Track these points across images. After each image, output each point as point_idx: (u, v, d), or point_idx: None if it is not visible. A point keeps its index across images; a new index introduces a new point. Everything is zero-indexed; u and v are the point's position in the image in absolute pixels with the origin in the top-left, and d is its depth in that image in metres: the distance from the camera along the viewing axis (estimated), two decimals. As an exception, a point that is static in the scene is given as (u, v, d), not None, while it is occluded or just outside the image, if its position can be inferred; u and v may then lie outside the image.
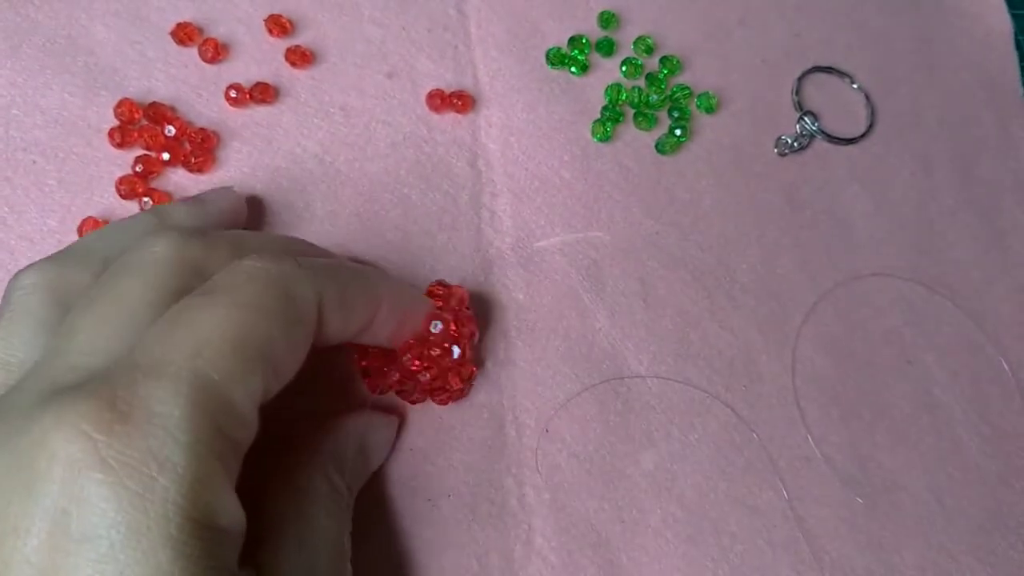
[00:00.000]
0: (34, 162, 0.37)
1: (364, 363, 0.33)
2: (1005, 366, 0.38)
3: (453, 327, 0.32)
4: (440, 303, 0.33)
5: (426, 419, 0.35)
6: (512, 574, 0.33)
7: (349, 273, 0.29)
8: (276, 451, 0.29)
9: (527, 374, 0.36)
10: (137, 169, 0.37)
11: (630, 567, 0.34)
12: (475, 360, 0.35)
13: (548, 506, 0.34)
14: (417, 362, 0.32)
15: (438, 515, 0.34)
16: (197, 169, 0.38)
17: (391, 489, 0.34)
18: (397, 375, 0.32)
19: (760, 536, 0.35)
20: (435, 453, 0.35)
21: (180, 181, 0.38)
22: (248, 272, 0.25)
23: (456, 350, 0.32)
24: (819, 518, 0.35)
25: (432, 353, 0.32)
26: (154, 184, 0.38)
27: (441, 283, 0.34)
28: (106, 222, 0.37)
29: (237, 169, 0.38)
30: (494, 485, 0.34)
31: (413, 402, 0.34)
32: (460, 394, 0.34)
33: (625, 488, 0.35)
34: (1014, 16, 0.46)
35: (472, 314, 0.34)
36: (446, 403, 0.34)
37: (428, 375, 0.32)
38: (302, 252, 0.32)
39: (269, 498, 0.27)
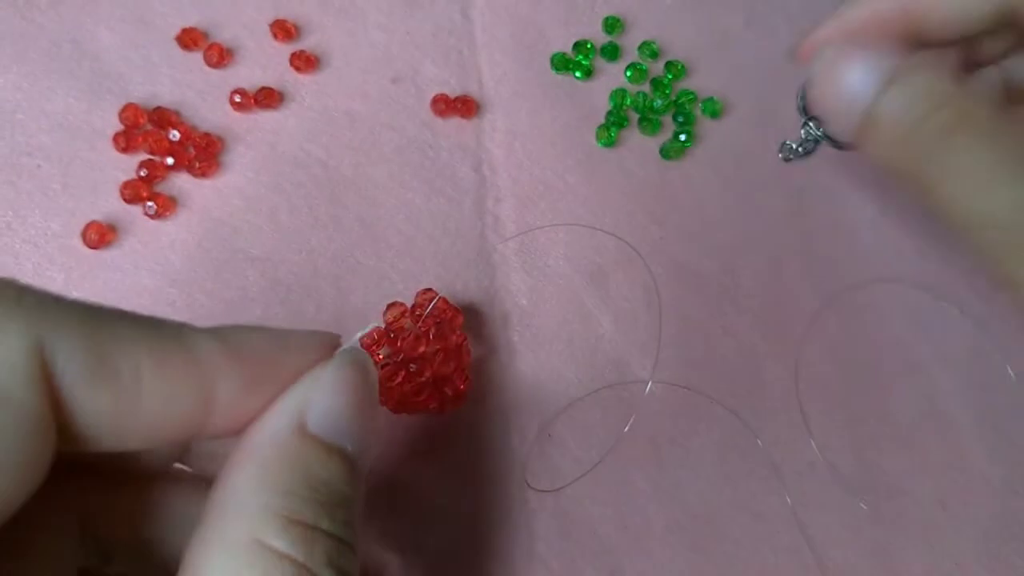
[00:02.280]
0: (39, 166, 0.37)
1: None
2: (1011, 372, 0.38)
3: (424, 342, 0.33)
4: (418, 311, 0.34)
5: (429, 424, 0.35)
6: (515, 580, 0.33)
7: (122, 318, 0.19)
8: None
9: (530, 379, 0.36)
10: (141, 173, 0.37)
11: (633, 574, 0.34)
12: (466, 369, 0.35)
13: (550, 512, 0.34)
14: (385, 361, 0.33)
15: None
16: (201, 174, 0.38)
17: (393, 494, 0.34)
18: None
19: (764, 542, 0.35)
20: (437, 458, 0.35)
21: (184, 185, 0.38)
22: None
23: (413, 367, 0.33)
24: (823, 524, 0.35)
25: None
26: (158, 188, 0.38)
27: (428, 292, 0.35)
28: (110, 226, 0.37)
29: (241, 174, 0.38)
30: (496, 490, 0.34)
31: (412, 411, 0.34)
32: (455, 403, 0.34)
33: (628, 494, 0.35)
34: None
35: (458, 325, 0.35)
36: (444, 411, 0.35)
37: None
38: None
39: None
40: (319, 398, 0.21)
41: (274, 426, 0.20)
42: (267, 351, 0.21)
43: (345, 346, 0.23)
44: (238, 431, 0.21)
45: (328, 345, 0.22)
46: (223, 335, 0.20)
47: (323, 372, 0.21)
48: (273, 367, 0.21)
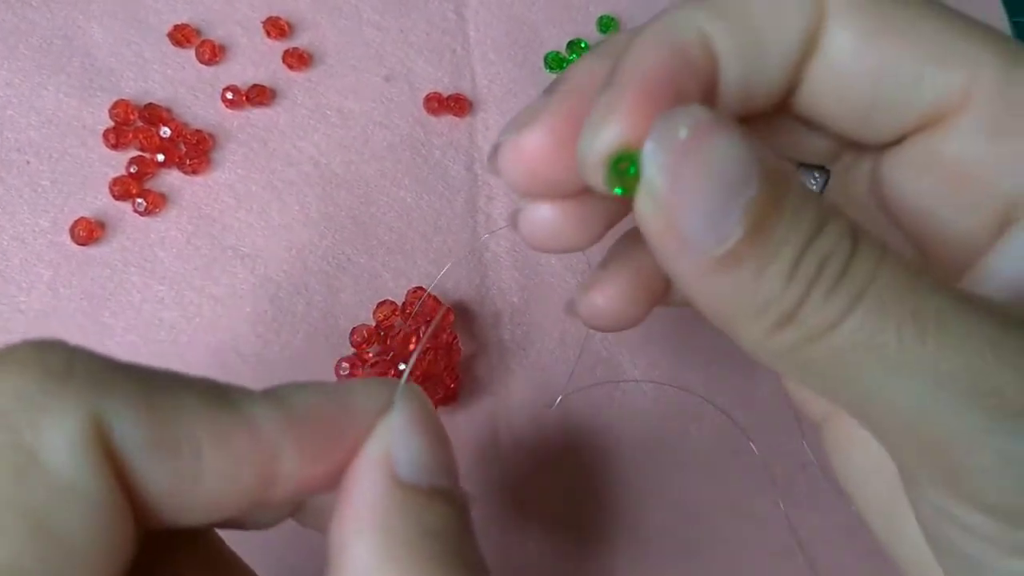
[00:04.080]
0: (28, 162, 0.37)
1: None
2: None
3: (414, 340, 0.33)
4: (408, 310, 0.34)
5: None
6: (505, 581, 0.33)
7: (180, 385, 0.18)
8: None
9: (522, 379, 0.36)
10: (131, 170, 0.37)
11: (627, 573, 0.33)
12: (456, 367, 0.35)
13: (543, 512, 0.34)
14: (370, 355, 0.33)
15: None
16: (192, 171, 0.38)
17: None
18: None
19: (756, 543, 0.34)
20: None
21: (174, 183, 0.38)
22: None
23: (402, 365, 0.33)
24: (815, 526, 0.35)
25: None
26: (148, 185, 0.38)
27: (419, 290, 0.35)
28: (99, 223, 0.36)
29: (232, 171, 0.38)
30: (489, 491, 0.34)
31: None
32: (445, 402, 0.34)
33: (621, 494, 0.35)
34: (1013, 24, 0.46)
35: (449, 324, 0.34)
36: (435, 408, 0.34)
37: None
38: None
39: None
40: (401, 447, 0.20)
41: (371, 490, 0.19)
42: (327, 413, 0.19)
43: (400, 382, 0.22)
44: (303, 498, 0.20)
45: (385, 390, 0.21)
46: (281, 400, 0.19)
47: (394, 420, 0.20)
48: (334, 431, 0.20)
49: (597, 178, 0.19)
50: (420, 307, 0.34)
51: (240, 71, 0.40)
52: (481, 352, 0.36)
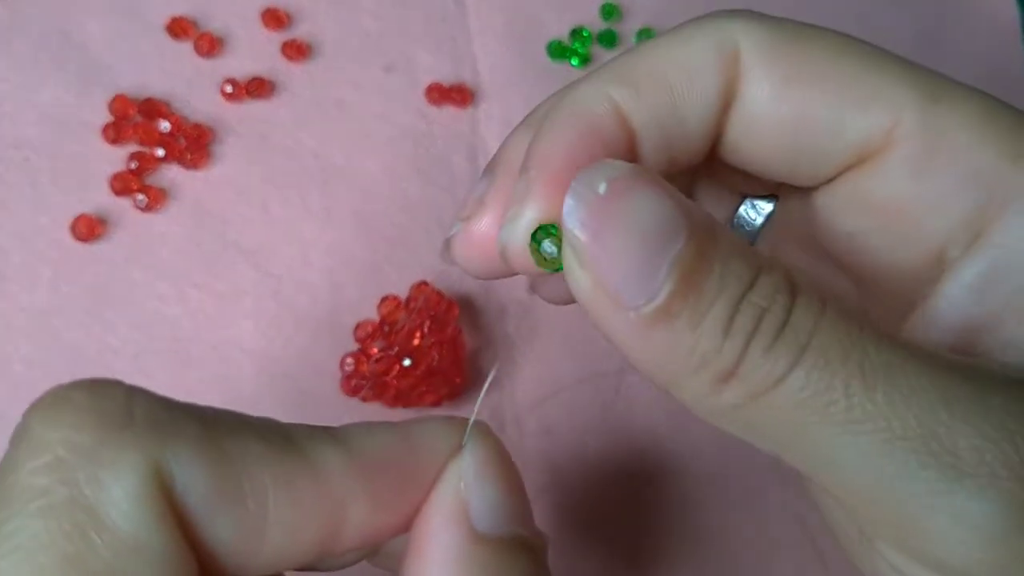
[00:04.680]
0: (26, 159, 0.37)
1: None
2: None
3: (418, 335, 0.33)
4: (412, 305, 0.34)
5: (425, 418, 0.35)
6: None
7: (243, 428, 0.17)
8: None
9: (528, 372, 0.36)
10: (132, 166, 0.37)
11: (634, 564, 0.33)
12: (462, 362, 0.34)
13: (551, 506, 0.34)
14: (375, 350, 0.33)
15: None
16: (192, 165, 0.37)
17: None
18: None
19: (763, 535, 0.34)
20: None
21: (175, 177, 0.37)
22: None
23: (407, 361, 0.33)
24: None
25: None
26: (148, 180, 0.37)
27: (423, 284, 0.34)
28: (100, 220, 0.36)
29: (233, 165, 0.38)
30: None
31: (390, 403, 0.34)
32: (451, 397, 0.34)
33: (628, 485, 0.35)
34: (1022, 9, 0.45)
35: (454, 318, 0.34)
36: (440, 405, 0.34)
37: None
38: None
39: None
40: (475, 495, 0.19)
41: (447, 542, 0.18)
42: (395, 457, 0.19)
43: (472, 417, 0.21)
44: (372, 548, 0.20)
45: (454, 430, 0.20)
46: (348, 443, 0.18)
47: (466, 464, 0.19)
48: (404, 476, 0.19)
49: (525, 263, 0.19)
50: (424, 302, 0.34)
51: (239, 63, 0.40)
52: (486, 346, 0.36)
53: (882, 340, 0.17)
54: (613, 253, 0.17)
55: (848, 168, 0.21)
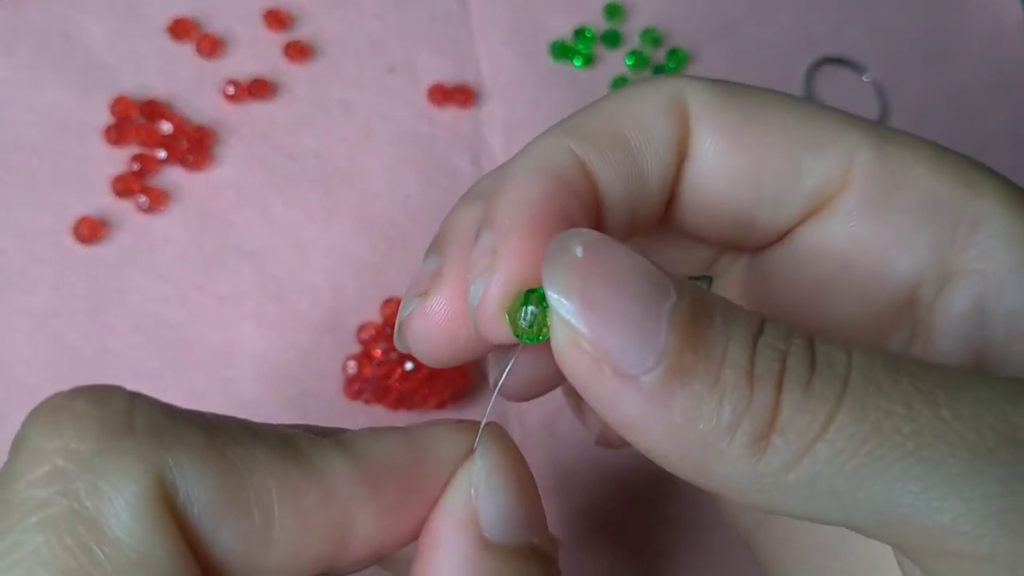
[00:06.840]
0: (28, 161, 0.37)
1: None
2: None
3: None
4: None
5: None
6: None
7: (247, 436, 0.17)
8: None
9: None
10: (133, 167, 0.37)
11: (645, 562, 0.33)
12: (465, 365, 0.34)
13: (557, 508, 0.34)
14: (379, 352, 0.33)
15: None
16: (194, 166, 0.37)
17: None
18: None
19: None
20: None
21: (176, 179, 0.37)
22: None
23: (410, 365, 0.32)
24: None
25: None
26: (150, 182, 0.37)
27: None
28: (102, 221, 0.36)
29: (234, 166, 0.38)
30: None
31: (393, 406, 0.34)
32: (455, 399, 0.34)
33: (635, 483, 0.34)
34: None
35: None
36: (444, 407, 0.34)
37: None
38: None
39: None
40: (486, 502, 0.18)
41: (455, 551, 0.18)
42: (403, 464, 0.18)
43: (484, 421, 0.20)
44: (379, 558, 0.19)
45: (464, 435, 0.19)
46: (354, 449, 0.18)
47: (476, 470, 0.19)
48: (412, 484, 0.18)
49: (500, 331, 0.18)
50: None
51: (240, 64, 0.39)
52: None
53: (918, 359, 0.16)
54: (607, 314, 0.15)
55: (807, 216, 0.21)
